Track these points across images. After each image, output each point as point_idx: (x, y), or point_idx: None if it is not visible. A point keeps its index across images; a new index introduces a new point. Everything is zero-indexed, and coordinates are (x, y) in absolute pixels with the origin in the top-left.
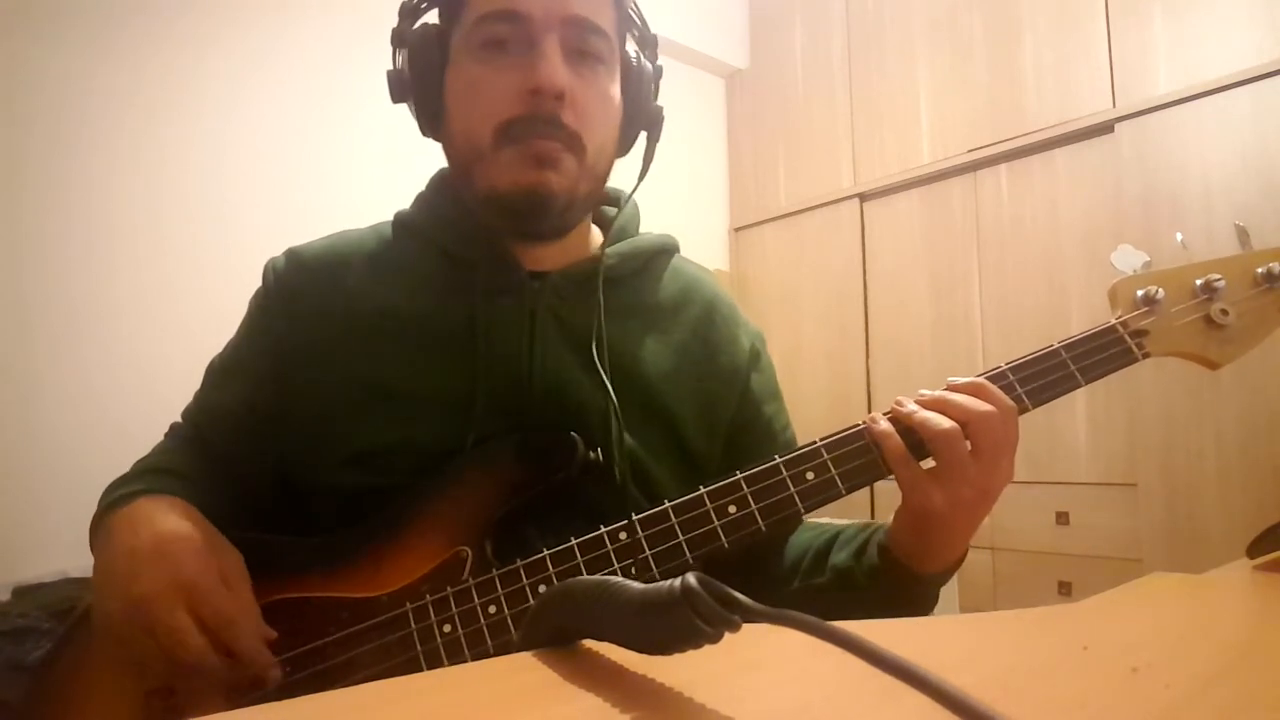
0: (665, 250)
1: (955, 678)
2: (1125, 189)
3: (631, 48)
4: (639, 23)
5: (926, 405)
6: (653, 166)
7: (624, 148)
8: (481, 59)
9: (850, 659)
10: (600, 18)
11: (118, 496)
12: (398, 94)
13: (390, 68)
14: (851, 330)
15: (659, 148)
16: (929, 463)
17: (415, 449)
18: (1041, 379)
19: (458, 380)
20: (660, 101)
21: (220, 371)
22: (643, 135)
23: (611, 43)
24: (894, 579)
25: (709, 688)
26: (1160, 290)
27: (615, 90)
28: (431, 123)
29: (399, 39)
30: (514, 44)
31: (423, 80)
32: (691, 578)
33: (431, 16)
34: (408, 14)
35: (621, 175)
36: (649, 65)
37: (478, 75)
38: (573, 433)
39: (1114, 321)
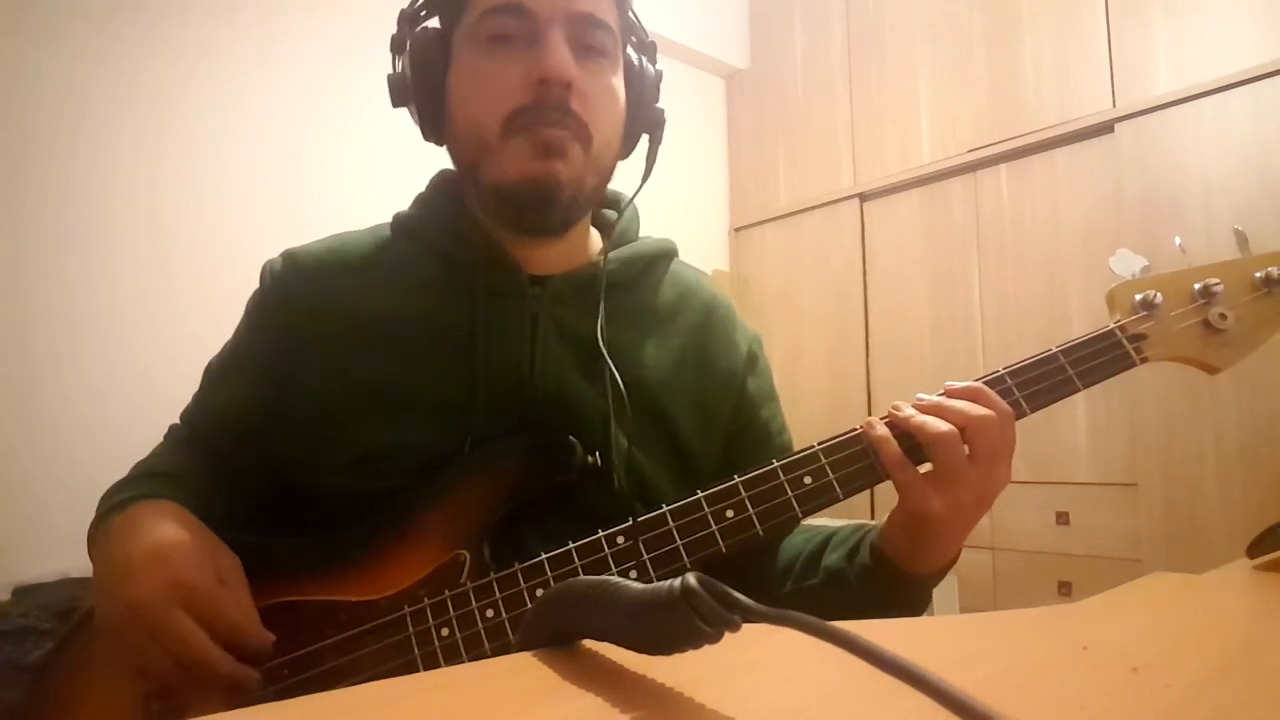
0: (665, 255)
1: (955, 678)
2: (1125, 189)
3: (632, 52)
4: (638, 28)
5: (924, 410)
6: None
7: (626, 150)
8: (486, 52)
9: (850, 659)
10: (604, 12)
11: (115, 503)
12: (399, 98)
13: (390, 72)
14: (851, 330)
15: (659, 149)
16: (926, 467)
17: (413, 452)
18: (1039, 384)
19: (457, 383)
20: (660, 104)
21: (217, 373)
22: (644, 139)
23: (615, 37)
24: (886, 579)
25: (709, 688)
26: (1159, 295)
27: (619, 85)
28: (434, 125)
29: (398, 44)
30: (519, 38)
31: (425, 82)
32: (691, 578)
33: (431, 23)
34: (407, 20)
35: (622, 179)
36: (650, 69)
37: (483, 68)
38: (571, 436)
39: (1112, 326)
